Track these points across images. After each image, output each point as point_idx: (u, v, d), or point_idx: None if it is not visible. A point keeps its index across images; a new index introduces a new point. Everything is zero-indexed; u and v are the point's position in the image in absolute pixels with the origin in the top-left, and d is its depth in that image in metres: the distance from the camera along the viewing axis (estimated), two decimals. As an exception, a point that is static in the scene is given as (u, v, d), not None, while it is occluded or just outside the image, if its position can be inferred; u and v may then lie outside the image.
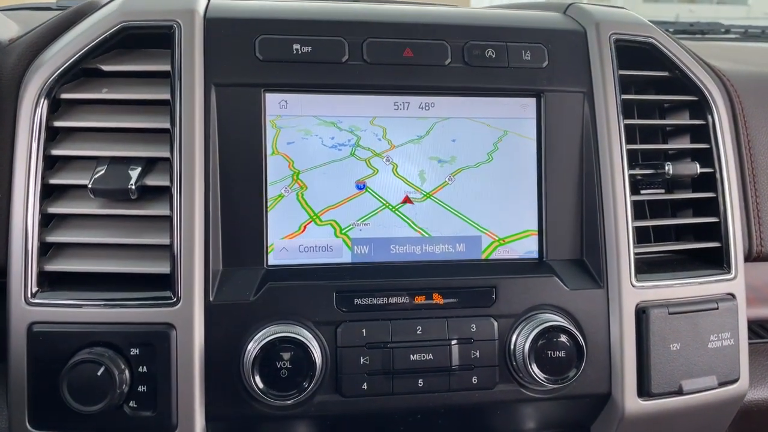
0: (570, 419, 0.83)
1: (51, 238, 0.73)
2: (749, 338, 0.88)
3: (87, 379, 0.66)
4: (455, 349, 0.75)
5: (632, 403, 0.78)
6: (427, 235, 0.80)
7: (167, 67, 0.74)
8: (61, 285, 0.73)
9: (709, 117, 0.86)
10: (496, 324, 0.76)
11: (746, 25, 1.71)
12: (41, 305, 0.70)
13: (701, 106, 0.86)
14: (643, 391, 0.78)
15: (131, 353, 0.69)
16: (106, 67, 0.75)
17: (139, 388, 0.69)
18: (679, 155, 0.89)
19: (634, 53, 0.86)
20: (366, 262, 0.79)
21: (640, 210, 0.87)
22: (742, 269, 0.84)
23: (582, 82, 0.82)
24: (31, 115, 0.72)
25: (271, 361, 0.69)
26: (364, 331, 0.73)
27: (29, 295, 0.70)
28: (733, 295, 0.83)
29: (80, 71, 0.76)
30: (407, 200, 0.80)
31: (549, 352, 0.74)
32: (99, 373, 0.66)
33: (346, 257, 0.79)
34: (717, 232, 0.85)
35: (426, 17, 0.82)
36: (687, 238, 0.89)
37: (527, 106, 0.82)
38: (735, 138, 0.92)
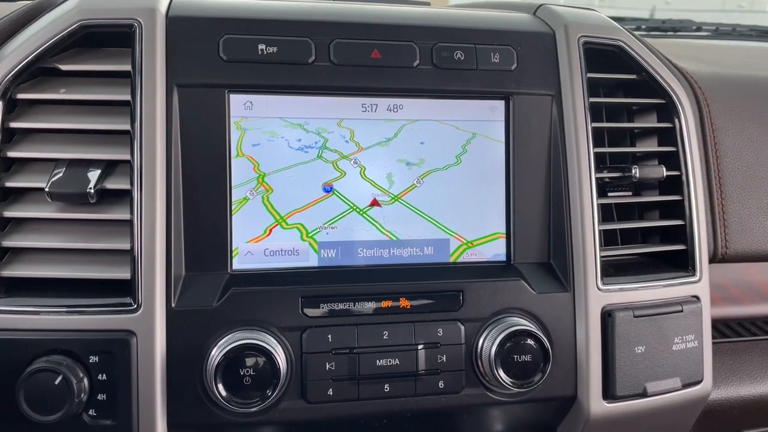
0: (536, 421, 0.83)
1: (7, 243, 0.71)
2: (714, 337, 0.89)
3: (44, 389, 0.65)
4: (422, 353, 0.74)
5: (597, 405, 0.78)
6: (395, 239, 0.80)
7: (128, 67, 0.72)
8: (17, 291, 0.71)
9: (676, 120, 0.86)
10: (462, 328, 0.76)
11: (717, 22, 1.73)
12: (-3, 312, 0.68)
13: (668, 110, 0.87)
14: (608, 393, 0.78)
15: (90, 361, 0.67)
16: (64, 67, 0.73)
17: (99, 397, 0.68)
18: (646, 157, 0.90)
19: (603, 55, 0.86)
20: (333, 266, 0.78)
21: (607, 212, 0.87)
22: (707, 272, 0.85)
23: (550, 84, 0.81)
24: (-15, 116, 0.70)
25: (234, 369, 0.68)
26: (329, 336, 0.73)
27: (-16, 302, 0.68)
28: (697, 298, 0.83)
29: (37, 70, 0.73)
30: (375, 203, 0.79)
31: (515, 356, 0.74)
32: (56, 382, 0.65)
33: (312, 261, 0.78)
34: (682, 234, 0.85)
35: (394, 18, 0.81)
36: (653, 240, 0.89)
37: (496, 108, 0.81)
38: (701, 140, 0.93)
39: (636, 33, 0.90)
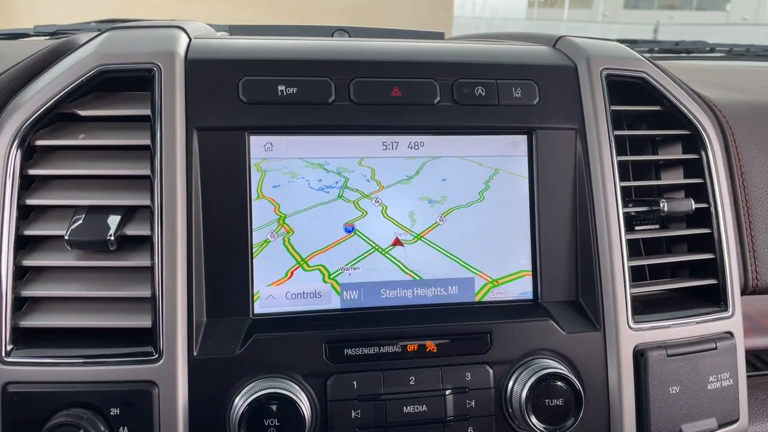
0: (568, 466, 0.80)
1: (26, 293, 0.69)
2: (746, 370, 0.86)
3: (65, 444, 0.63)
4: (450, 399, 0.72)
5: (632, 449, 0.76)
6: (418, 278, 0.78)
7: (147, 111, 0.71)
8: (37, 342, 0.69)
9: (703, 152, 0.84)
10: (491, 371, 0.74)
11: (731, 44, 1.72)
12: (16, 364, 0.67)
13: (694, 141, 0.85)
14: (643, 436, 0.76)
15: (111, 413, 0.66)
16: (83, 112, 0.72)
17: (121, 450, 0.66)
18: (671, 189, 0.88)
19: (625, 86, 0.84)
20: (356, 308, 0.76)
21: (634, 247, 0.85)
22: (740, 306, 0.83)
23: (574, 118, 0.80)
24: (4, 163, 0.69)
25: (258, 419, 0.66)
26: (355, 383, 0.71)
27: (4, 354, 0.67)
28: (731, 334, 0.81)
29: (56, 116, 0.73)
30: (397, 242, 0.78)
31: (547, 400, 0.71)
32: (77, 437, 0.63)
33: (335, 303, 0.76)
34: (713, 268, 0.83)
35: (414, 54, 0.80)
36: (682, 273, 0.87)
37: (518, 143, 0.80)
38: (728, 170, 0.91)
39: (646, 55, 0.89)
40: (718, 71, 1.44)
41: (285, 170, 0.75)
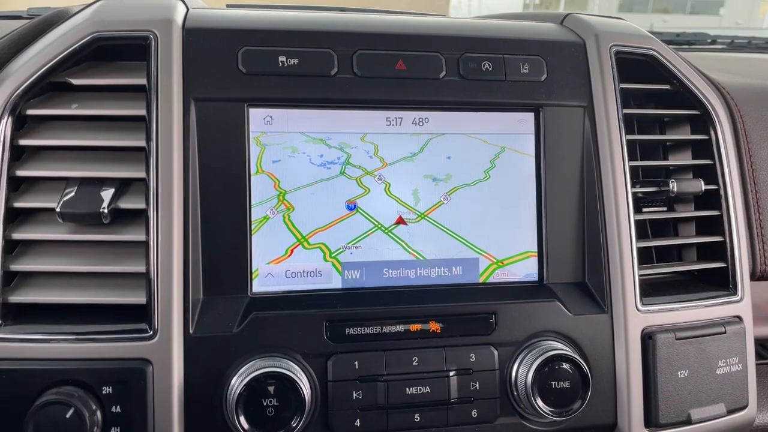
0: (573, 451, 0.78)
1: (15, 267, 0.67)
2: (752, 359, 0.85)
3: (54, 422, 0.61)
4: (453, 380, 0.70)
5: (639, 433, 0.74)
6: (421, 258, 0.76)
7: (143, 81, 0.69)
8: (26, 317, 0.67)
9: (712, 132, 0.82)
10: (496, 353, 0.71)
11: (732, 35, 1.70)
12: (5, 340, 0.64)
13: (703, 121, 0.83)
14: (651, 421, 0.74)
15: (103, 392, 0.63)
16: (76, 81, 0.70)
17: (113, 430, 0.63)
18: (678, 171, 0.86)
19: (632, 65, 0.82)
20: (357, 287, 0.74)
21: (641, 228, 0.83)
22: (749, 290, 0.81)
23: (582, 95, 0.78)
24: (-7, 133, 0.67)
25: (256, 399, 0.64)
26: (356, 363, 0.69)
27: (-9, 330, 0.64)
28: (740, 318, 0.79)
29: (48, 85, 0.70)
30: (400, 221, 0.76)
31: (553, 382, 0.70)
32: (68, 416, 0.61)
33: (336, 283, 0.74)
34: (722, 251, 0.81)
35: (419, 28, 0.78)
36: (689, 256, 0.85)
37: (525, 121, 0.78)
38: (736, 153, 0.89)
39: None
40: (722, 59, 1.42)
41: (285, 145, 0.73)
